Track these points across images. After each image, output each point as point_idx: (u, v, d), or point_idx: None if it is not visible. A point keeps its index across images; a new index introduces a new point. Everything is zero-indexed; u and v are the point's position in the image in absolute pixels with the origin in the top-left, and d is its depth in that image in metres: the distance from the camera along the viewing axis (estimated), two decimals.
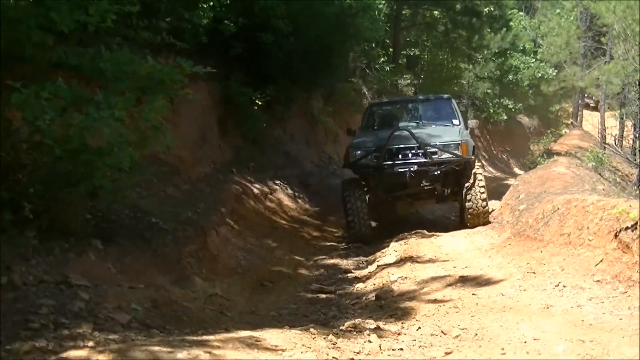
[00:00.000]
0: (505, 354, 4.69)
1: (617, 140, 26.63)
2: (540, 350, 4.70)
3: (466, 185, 11.59)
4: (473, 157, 12.08)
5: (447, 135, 11.87)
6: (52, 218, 6.50)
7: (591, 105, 39.97)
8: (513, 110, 34.82)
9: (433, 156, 11.38)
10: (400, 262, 9.04)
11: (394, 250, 10.02)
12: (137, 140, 6.82)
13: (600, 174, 18.96)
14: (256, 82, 14.35)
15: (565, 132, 37.80)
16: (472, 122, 13.34)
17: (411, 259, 8.94)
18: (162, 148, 8.12)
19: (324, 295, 8.07)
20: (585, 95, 38.77)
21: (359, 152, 11.81)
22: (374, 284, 8.18)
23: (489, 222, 11.70)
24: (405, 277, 7.95)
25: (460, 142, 11.58)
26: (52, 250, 6.12)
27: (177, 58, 7.63)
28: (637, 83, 20.58)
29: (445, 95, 14.39)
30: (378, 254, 10.33)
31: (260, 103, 14.45)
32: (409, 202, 12.84)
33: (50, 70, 6.74)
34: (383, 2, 19.79)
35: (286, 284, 8.92)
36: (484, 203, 11.54)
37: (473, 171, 11.74)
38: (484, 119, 33.42)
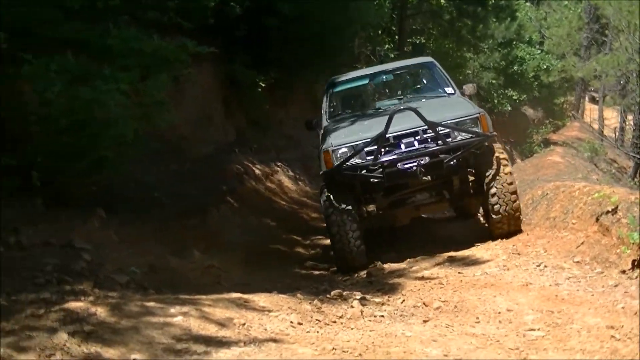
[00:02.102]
0: (478, 322, 5.00)
1: (617, 133, 26.81)
2: (512, 319, 5.00)
3: (488, 174, 8.07)
4: (495, 133, 8.40)
5: (455, 108, 8.45)
6: (58, 187, 6.83)
7: (597, 98, 40.06)
8: (517, 101, 34.82)
9: (447, 139, 7.87)
10: None
11: None
12: (140, 115, 7.10)
13: (595, 164, 19.21)
14: (260, 65, 14.56)
15: (569, 124, 37.96)
16: (468, 87, 9.64)
17: None
18: (164, 124, 8.36)
19: (317, 272, 8.35)
20: (591, 89, 38.92)
21: (343, 150, 8.04)
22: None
23: (521, 230, 8.41)
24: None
25: (477, 114, 8.06)
26: (58, 216, 6.47)
27: (182, 38, 7.88)
28: (635, 74, 20.79)
29: (427, 59, 10.87)
30: None
31: (263, 85, 14.65)
32: (414, 208, 8.83)
33: (60, 45, 6.96)
34: None
35: (282, 260, 9.21)
36: (514, 197, 8.08)
37: (495, 155, 8.16)
38: (488, 109, 33.56)
